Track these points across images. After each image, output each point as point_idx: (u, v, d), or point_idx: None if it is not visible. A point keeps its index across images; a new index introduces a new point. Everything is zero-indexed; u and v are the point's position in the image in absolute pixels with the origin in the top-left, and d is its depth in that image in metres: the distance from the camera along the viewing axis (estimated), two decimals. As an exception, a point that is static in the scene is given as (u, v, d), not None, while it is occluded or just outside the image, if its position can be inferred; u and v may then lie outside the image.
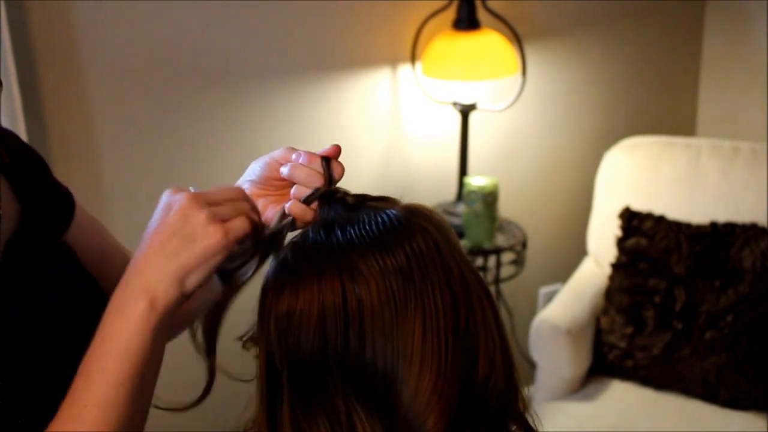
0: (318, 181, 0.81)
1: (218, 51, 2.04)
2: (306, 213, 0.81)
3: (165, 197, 0.76)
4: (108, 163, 1.98)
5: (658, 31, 2.64)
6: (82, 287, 0.90)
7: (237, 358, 0.81)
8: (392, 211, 0.77)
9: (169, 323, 0.76)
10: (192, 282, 0.75)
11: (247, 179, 0.87)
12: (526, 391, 0.81)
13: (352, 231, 0.75)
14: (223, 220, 0.74)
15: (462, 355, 0.73)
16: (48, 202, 0.91)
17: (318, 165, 0.82)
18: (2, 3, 1.71)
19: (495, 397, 0.75)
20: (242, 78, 2.08)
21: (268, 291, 0.77)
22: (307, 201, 0.81)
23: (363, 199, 0.80)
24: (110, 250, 1.00)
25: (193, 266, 0.74)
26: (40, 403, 0.79)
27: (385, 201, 0.80)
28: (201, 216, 0.74)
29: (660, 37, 2.65)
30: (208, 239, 0.74)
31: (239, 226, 0.75)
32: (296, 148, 0.85)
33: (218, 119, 2.08)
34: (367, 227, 0.75)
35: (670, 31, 2.66)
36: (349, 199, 0.80)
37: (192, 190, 0.76)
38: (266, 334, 0.76)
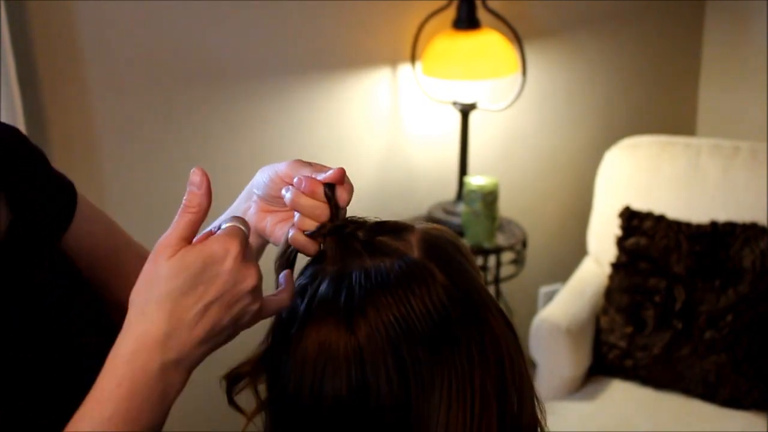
0: (322, 213, 0.74)
1: (218, 51, 2.04)
2: (309, 247, 0.76)
3: (217, 244, 0.67)
4: (108, 163, 1.98)
5: (658, 31, 2.64)
6: (79, 295, 0.89)
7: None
8: (409, 259, 0.72)
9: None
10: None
11: (255, 192, 0.82)
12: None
13: (368, 283, 0.70)
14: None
15: (488, 414, 0.70)
16: (44, 206, 0.88)
17: (321, 194, 0.74)
18: (2, 3, 1.71)
19: None
20: (242, 78, 2.08)
21: (281, 340, 0.73)
22: (312, 236, 0.75)
23: (375, 233, 0.75)
24: (121, 246, 0.97)
25: (215, 348, 0.69)
26: (41, 405, 0.79)
27: (400, 233, 0.75)
28: (251, 282, 0.67)
29: (660, 37, 2.65)
30: (248, 320, 0.69)
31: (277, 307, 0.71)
32: (302, 161, 0.78)
33: (218, 119, 2.08)
34: (384, 278, 0.70)
35: (670, 31, 2.66)
36: (360, 235, 0.74)
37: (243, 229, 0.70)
38: (280, 385, 0.73)
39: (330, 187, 0.75)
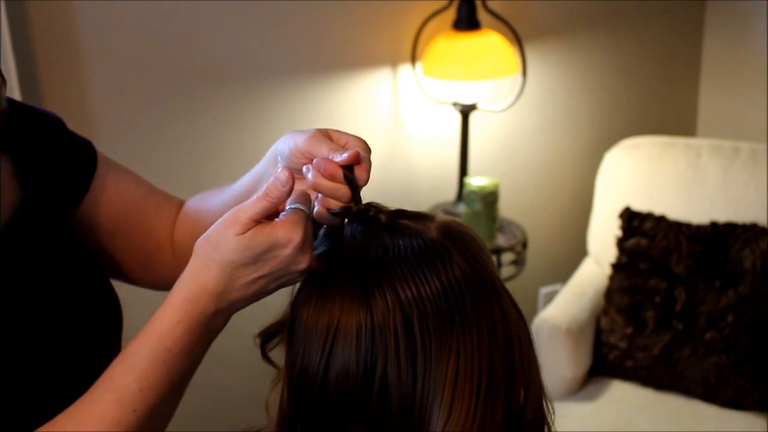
0: (344, 195, 0.77)
1: (218, 51, 2.04)
2: (334, 222, 0.79)
3: (283, 232, 0.74)
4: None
5: (658, 31, 2.64)
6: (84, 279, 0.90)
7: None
8: (428, 237, 0.73)
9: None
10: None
11: (279, 161, 0.83)
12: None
13: (385, 255, 0.72)
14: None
15: (495, 395, 0.70)
16: (60, 180, 0.91)
17: (341, 176, 0.76)
18: (2, 3, 1.71)
19: (523, 429, 0.73)
20: (242, 78, 2.08)
21: (299, 309, 0.75)
22: (336, 216, 0.77)
23: (397, 217, 0.76)
24: (141, 198, 1.02)
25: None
26: (41, 404, 0.79)
27: (420, 219, 0.76)
28: (302, 265, 0.75)
29: (660, 37, 2.65)
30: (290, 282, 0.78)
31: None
32: (321, 134, 0.80)
33: (218, 119, 2.08)
34: (402, 253, 0.72)
35: (670, 31, 2.66)
36: (383, 218, 0.76)
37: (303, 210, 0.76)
38: (294, 352, 0.74)
39: (349, 169, 0.77)
